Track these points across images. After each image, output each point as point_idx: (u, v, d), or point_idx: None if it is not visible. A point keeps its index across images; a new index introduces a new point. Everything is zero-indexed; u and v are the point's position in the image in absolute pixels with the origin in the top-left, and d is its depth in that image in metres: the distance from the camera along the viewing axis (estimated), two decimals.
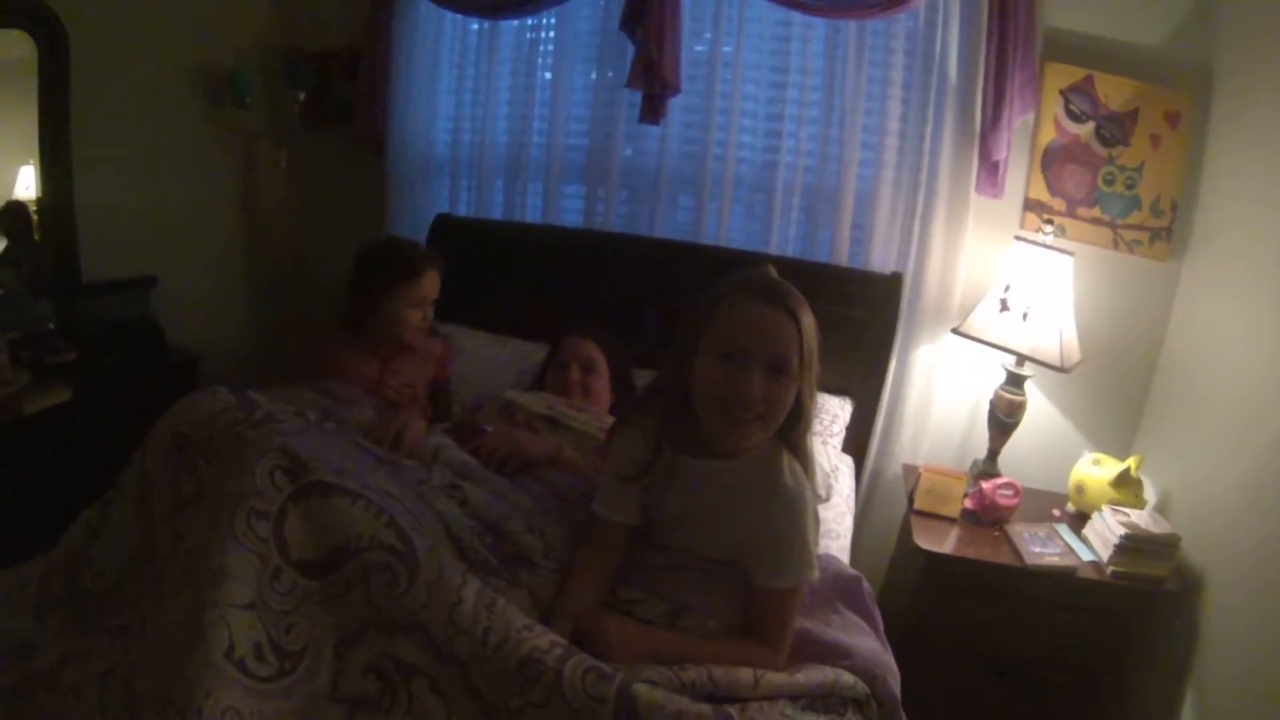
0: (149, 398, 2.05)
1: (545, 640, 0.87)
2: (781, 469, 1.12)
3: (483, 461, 1.29)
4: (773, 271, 1.14)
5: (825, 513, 1.61)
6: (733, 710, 0.93)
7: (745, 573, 1.14)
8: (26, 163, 2.08)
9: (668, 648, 1.06)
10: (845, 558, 1.54)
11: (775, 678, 1.05)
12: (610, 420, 1.47)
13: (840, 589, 1.28)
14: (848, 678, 1.08)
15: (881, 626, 1.24)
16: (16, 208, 2.07)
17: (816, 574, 1.14)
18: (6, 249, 2.06)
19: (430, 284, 1.64)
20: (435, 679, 0.88)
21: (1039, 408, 1.98)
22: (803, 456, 1.15)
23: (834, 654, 1.12)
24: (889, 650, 1.18)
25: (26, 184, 2.10)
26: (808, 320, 1.09)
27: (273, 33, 2.36)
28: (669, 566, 1.19)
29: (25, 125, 2.05)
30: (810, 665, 1.09)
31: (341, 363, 1.62)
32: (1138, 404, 1.98)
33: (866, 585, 1.29)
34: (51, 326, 2.12)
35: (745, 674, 1.03)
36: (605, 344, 1.70)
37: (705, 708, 0.89)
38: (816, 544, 1.16)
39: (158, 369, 2.14)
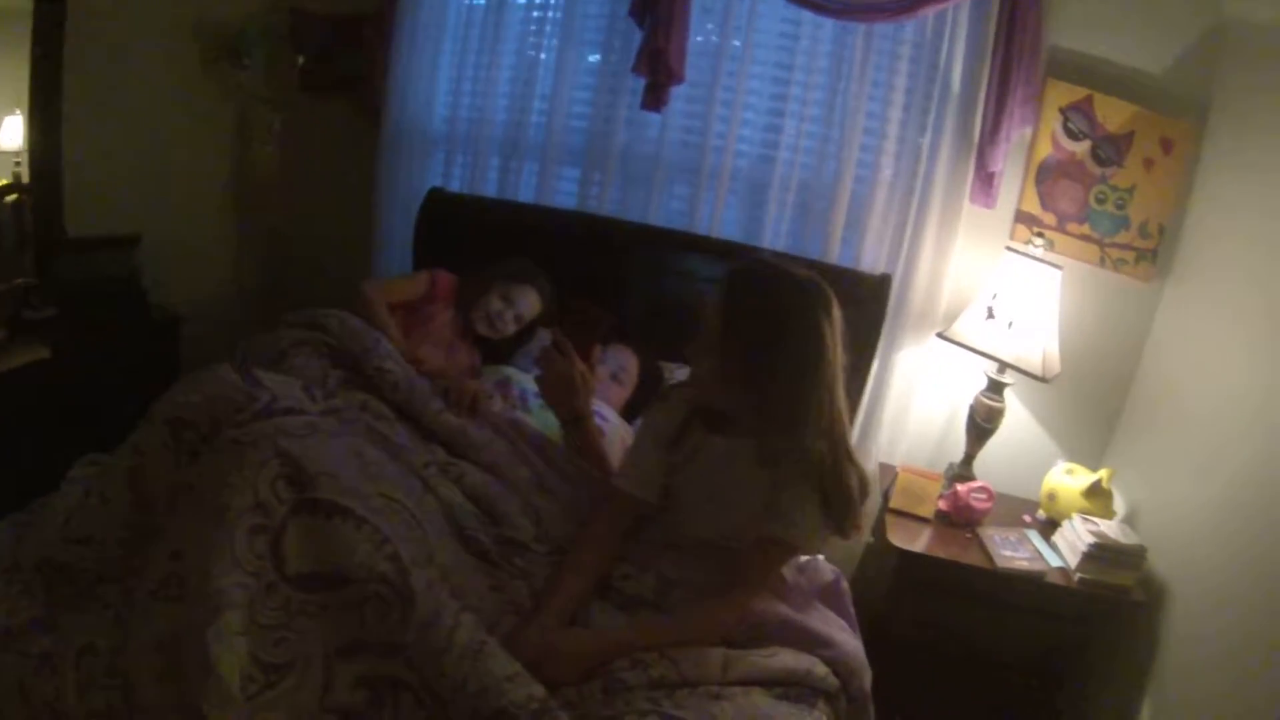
0: (129, 358, 2.06)
1: (523, 694, 0.87)
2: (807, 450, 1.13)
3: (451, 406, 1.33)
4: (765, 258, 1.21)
5: None
6: None
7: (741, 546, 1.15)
8: (13, 112, 2.03)
9: (626, 646, 1.05)
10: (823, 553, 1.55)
11: (745, 663, 1.06)
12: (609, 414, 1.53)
13: (819, 586, 1.31)
14: (821, 669, 1.10)
15: (857, 627, 1.26)
16: None
17: (813, 547, 1.20)
18: None
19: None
20: (421, 697, 0.90)
21: (1015, 415, 2.01)
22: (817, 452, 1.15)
23: (815, 642, 1.14)
24: (862, 648, 1.21)
25: (12, 134, 2.05)
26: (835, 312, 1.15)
27: None
28: (667, 545, 1.21)
29: (13, 74, 2.00)
30: (786, 650, 1.10)
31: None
32: (1112, 418, 2.02)
33: (844, 584, 1.32)
34: (32, 281, 2.08)
35: (714, 662, 1.04)
36: (636, 346, 1.77)
37: None
38: (822, 534, 1.17)
39: (139, 329, 2.10)
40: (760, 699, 1.03)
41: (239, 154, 2.41)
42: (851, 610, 1.29)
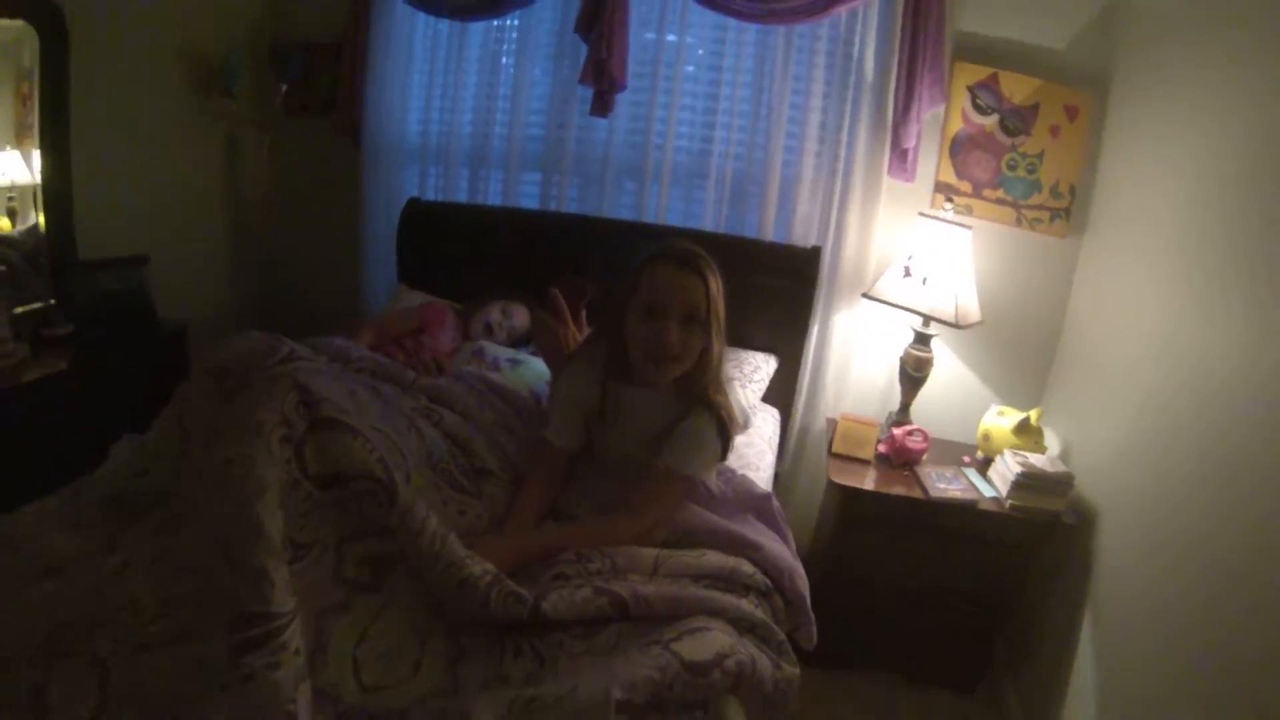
0: (141, 366, 2.24)
1: (479, 569, 1.10)
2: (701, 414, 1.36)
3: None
4: (685, 243, 1.41)
5: (747, 451, 1.81)
6: (626, 594, 1.11)
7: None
8: (3, 147, 2.09)
9: (537, 547, 1.25)
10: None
11: (675, 560, 1.22)
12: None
13: (751, 503, 1.45)
14: (748, 567, 1.25)
15: (792, 541, 1.41)
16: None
17: (707, 479, 1.37)
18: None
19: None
20: (412, 568, 1.11)
21: (952, 367, 2.19)
22: (715, 397, 1.37)
23: (742, 544, 1.29)
24: (798, 559, 1.36)
25: (3, 170, 2.10)
26: (713, 280, 1.36)
27: (261, 24, 2.52)
28: (604, 474, 1.41)
29: (4, 110, 2.09)
30: (715, 552, 1.26)
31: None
32: (1044, 365, 2.18)
33: (776, 504, 1.45)
34: (51, 302, 2.28)
35: (646, 560, 1.22)
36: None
37: (602, 601, 1.10)
38: (710, 468, 1.38)
39: (148, 340, 2.25)
40: (689, 586, 1.19)
41: (232, 177, 2.59)
42: (784, 527, 1.43)
